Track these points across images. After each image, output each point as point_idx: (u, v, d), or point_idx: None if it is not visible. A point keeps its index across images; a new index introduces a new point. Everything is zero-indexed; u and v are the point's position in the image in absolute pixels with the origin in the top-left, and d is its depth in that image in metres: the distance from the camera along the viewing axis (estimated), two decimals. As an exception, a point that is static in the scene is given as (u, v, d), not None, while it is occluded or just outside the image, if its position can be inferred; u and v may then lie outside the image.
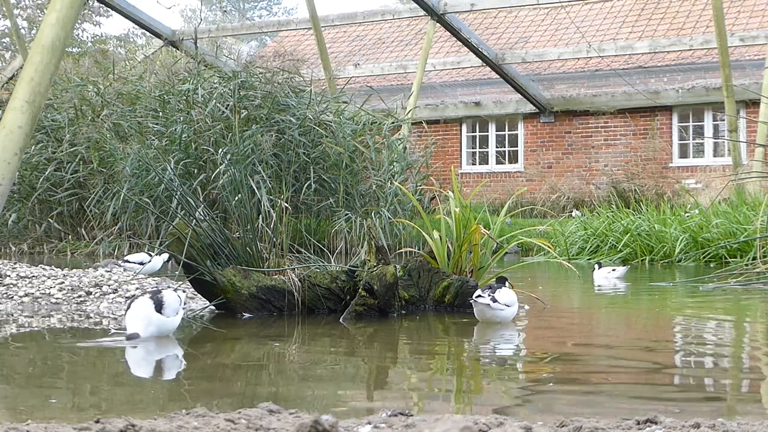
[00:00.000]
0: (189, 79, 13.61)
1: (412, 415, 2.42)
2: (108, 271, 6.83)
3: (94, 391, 3.23)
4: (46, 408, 2.83)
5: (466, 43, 17.13)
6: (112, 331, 4.60)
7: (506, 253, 6.46)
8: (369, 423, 2.32)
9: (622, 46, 17.74)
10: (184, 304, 4.53)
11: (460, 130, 20.38)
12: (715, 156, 18.33)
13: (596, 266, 8.60)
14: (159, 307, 4.24)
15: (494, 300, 4.91)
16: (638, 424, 2.32)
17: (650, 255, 10.87)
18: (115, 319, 5.20)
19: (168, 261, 8.38)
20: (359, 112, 14.27)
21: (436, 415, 2.37)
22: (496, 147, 20.18)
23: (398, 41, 22.74)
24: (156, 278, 7.05)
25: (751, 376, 3.61)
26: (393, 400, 2.99)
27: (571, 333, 4.94)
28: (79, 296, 5.89)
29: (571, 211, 16.52)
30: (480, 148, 20.38)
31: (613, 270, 8.45)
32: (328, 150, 12.91)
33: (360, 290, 5.17)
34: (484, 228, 5.81)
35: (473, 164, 20.38)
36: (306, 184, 12.65)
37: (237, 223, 6.11)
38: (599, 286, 7.79)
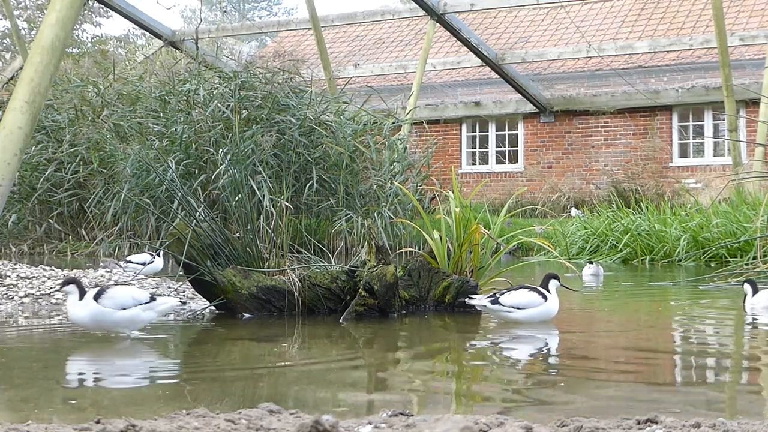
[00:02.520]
0: (189, 79, 13.60)
1: (412, 415, 2.42)
2: (108, 272, 6.83)
3: (95, 391, 3.23)
4: (46, 408, 2.83)
5: (466, 43, 17.13)
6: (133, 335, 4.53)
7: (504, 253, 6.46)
8: (369, 423, 2.32)
9: (622, 45, 17.73)
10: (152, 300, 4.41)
11: (460, 130, 20.37)
12: (715, 156, 18.32)
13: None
14: (98, 295, 4.21)
15: (494, 302, 4.89)
16: (638, 423, 2.32)
17: (650, 255, 10.87)
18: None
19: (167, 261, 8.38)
20: (359, 112, 14.26)
21: (436, 415, 2.37)
22: (496, 147, 20.17)
23: (398, 41, 22.73)
24: (156, 278, 7.05)
25: (752, 376, 3.61)
26: (393, 400, 2.99)
27: (572, 333, 4.94)
28: (80, 297, 5.88)
29: (570, 210, 16.51)
30: (480, 148, 20.37)
31: (589, 267, 8.74)
32: (328, 150, 12.90)
33: (360, 290, 5.17)
34: (484, 228, 5.82)
35: (473, 164, 20.37)
36: (307, 185, 12.64)
37: (237, 223, 6.11)
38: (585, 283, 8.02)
